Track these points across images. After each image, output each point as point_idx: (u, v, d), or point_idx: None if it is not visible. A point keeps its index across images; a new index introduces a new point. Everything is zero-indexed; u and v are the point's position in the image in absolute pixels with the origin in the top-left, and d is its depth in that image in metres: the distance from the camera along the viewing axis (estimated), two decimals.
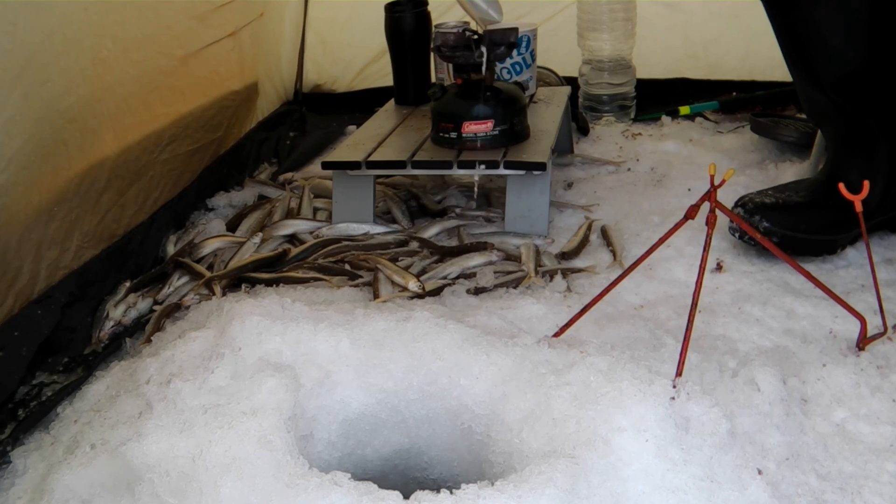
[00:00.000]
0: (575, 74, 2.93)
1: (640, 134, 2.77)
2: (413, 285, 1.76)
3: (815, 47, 1.68)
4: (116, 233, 1.92)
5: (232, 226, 2.20)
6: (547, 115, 2.29)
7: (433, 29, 2.30)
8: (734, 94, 2.90)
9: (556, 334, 1.47)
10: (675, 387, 1.25)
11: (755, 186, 2.26)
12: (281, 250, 2.00)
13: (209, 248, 2.05)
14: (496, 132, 2.04)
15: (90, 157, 1.77)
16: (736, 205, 1.84)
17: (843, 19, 1.63)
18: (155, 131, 2.03)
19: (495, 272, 1.84)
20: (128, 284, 1.89)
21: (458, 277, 1.86)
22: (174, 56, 2.09)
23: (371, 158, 2.05)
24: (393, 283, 1.81)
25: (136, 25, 1.88)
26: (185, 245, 2.07)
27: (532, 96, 2.46)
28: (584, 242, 2.00)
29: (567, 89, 2.58)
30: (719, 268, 1.83)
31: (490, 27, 2.09)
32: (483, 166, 1.99)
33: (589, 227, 2.05)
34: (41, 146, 1.58)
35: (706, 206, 1.33)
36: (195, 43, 2.19)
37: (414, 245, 2.01)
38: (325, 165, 2.09)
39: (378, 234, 2.06)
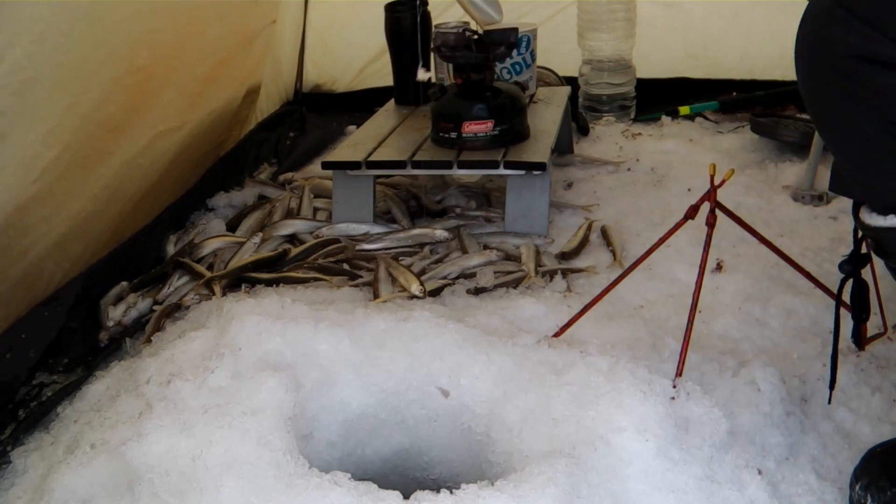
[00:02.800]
0: (575, 74, 2.93)
1: (640, 134, 2.77)
2: (415, 288, 1.75)
3: None
4: (125, 236, 1.92)
5: (232, 226, 2.20)
6: (547, 115, 2.29)
7: (433, 29, 2.30)
8: (734, 93, 2.90)
9: (556, 334, 1.47)
10: (675, 387, 1.25)
11: (756, 186, 2.26)
12: (281, 250, 2.00)
13: (209, 248, 2.05)
14: (496, 132, 2.04)
15: (125, 165, 1.78)
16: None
17: None
18: (181, 138, 2.03)
19: (495, 272, 1.84)
20: (125, 284, 1.89)
21: (458, 277, 1.86)
22: (205, 62, 2.09)
23: (371, 158, 2.05)
24: (394, 281, 1.81)
25: (171, 32, 1.88)
26: (185, 245, 2.07)
27: (532, 96, 2.46)
28: (584, 242, 2.00)
29: (567, 89, 2.58)
30: (719, 268, 1.83)
31: (490, 27, 2.09)
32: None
33: (589, 227, 2.05)
34: (79, 156, 1.59)
35: (706, 206, 1.33)
36: (221, 48, 2.19)
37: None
38: (325, 165, 2.09)
39: (378, 234, 2.06)
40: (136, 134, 1.79)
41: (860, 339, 1.31)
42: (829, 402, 1.34)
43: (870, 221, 1.04)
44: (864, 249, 1.24)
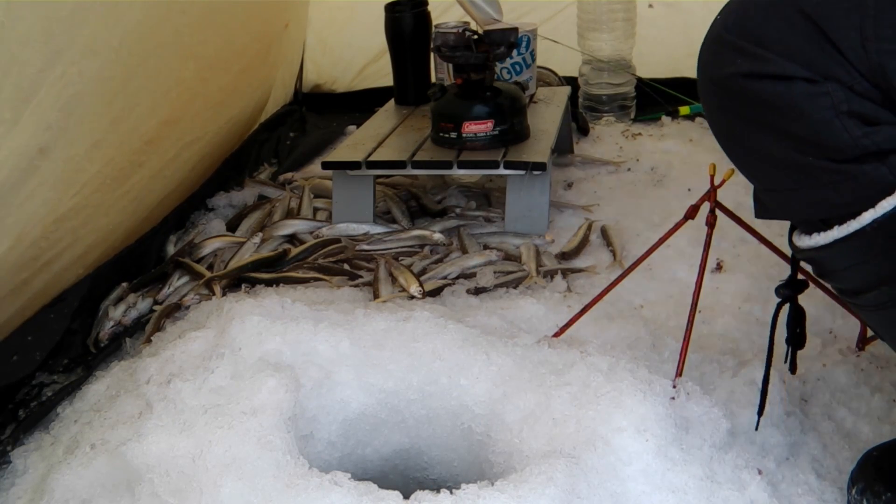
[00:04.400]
0: (575, 74, 2.93)
1: (640, 134, 2.77)
2: (414, 289, 1.75)
3: None
4: (132, 239, 1.93)
5: (232, 226, 2.20)
6: (547, 115, 2.29)
7: (433, 29, 2.30)
8: None
9: (556, 334, 1.47)
10: (675, 387, 1.25)
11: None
12: (281, 250, 2.00)
13: (209, 248, 2.05)
14: (496, 132, 2.04)
15: (151, 178, 1.78)
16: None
17: None
18: (201, 148, 2.04)
19: (495, 272, 1.84)
20: (125, 285, 1.89)
21: (458, 277, 1.86)
22: (231, 70, 2.09)
23: (371, 158, 2.05)
24: (394, 281, 1.80)
25: (212, 45, 1.89)
26: (185, 245, 2.07)
27: (532, 96, 2.46)
28: (585, 242, 2.00)
29: (567, 89, 2.58)
30: (719, 268, 1.83)
31: (490, 27, 2.09)
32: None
33: (589, 228, 2.05)
34: (117, 169, 1.59)
35: (706, 206, 1.33)
36: (246, 57, 2.19)
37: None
38: (325, 165, 2.09)
39: (378, 234, 2.06)
40: (165, 146, 1.79)
41: (794, 367, 1.28)
42: (756, 429, 1.26)
43: (800, 243, 1.03)
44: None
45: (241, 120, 2.39)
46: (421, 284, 1.77)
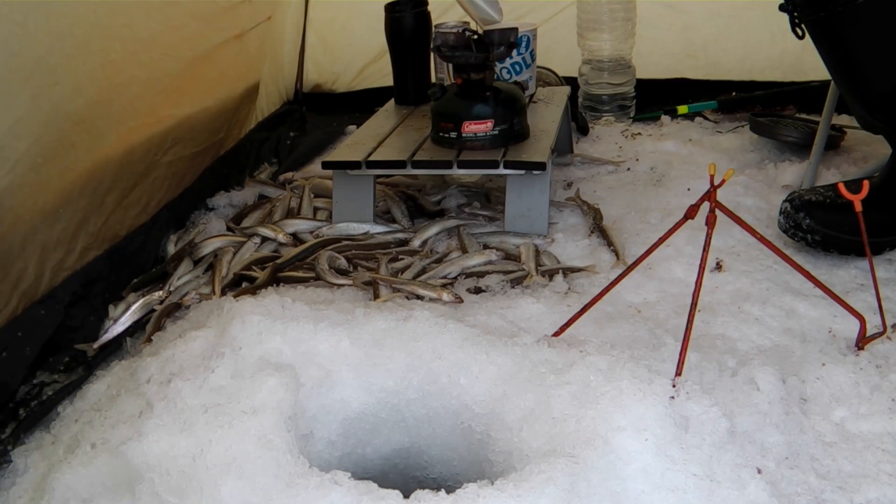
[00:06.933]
0: (575, 74, 2.93)
1: (639, 134, 2.77)
2: (446, 297, 1.73)
3: (857, 71, 1.80)
4: (119, 233, 1.92)
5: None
6: (547, 115, 2.29)
7: (433, 29, 2.30)
8: (734, 93, 2.90)
9: (556, 334, 1.47)
10: (674, 386, 1.26)
11: (755, 186, 2.26)
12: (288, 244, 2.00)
13: (209, 247, 2.05)
14: (496, 132, 2.04)
15: (96, 159, 1.77)
16: (785, 200, 1.87)
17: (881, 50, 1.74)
18: (160, 133, 2.03)
19: (495, 272, 1.85)
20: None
21: (457, 277, 1.86)
22: (181, 58, 2.08)
23: (371, 158, 2.05)
24: (419, 296, 1.77)
25: (144, 27, 1.88)
26: (186, 245, 2.07)
27: (532, 96, 2.46)
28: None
29: (567, 89, 2.58)
30: (719, 267, 1.83)
31: (490, 27, 2.09)
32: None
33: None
34: (48, 148, 1.59)
35: (706, 206, 1.33)
36: (202, 45, 2.18)
37: (415, 244, 2.01)
38: (326, 165, 2.10)
39: (378, 233, 2.06)
40: (105, 128, 1.78)
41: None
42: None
43: None
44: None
45: (223, 111, 2.36)
46: (452, 293, 1.75)
